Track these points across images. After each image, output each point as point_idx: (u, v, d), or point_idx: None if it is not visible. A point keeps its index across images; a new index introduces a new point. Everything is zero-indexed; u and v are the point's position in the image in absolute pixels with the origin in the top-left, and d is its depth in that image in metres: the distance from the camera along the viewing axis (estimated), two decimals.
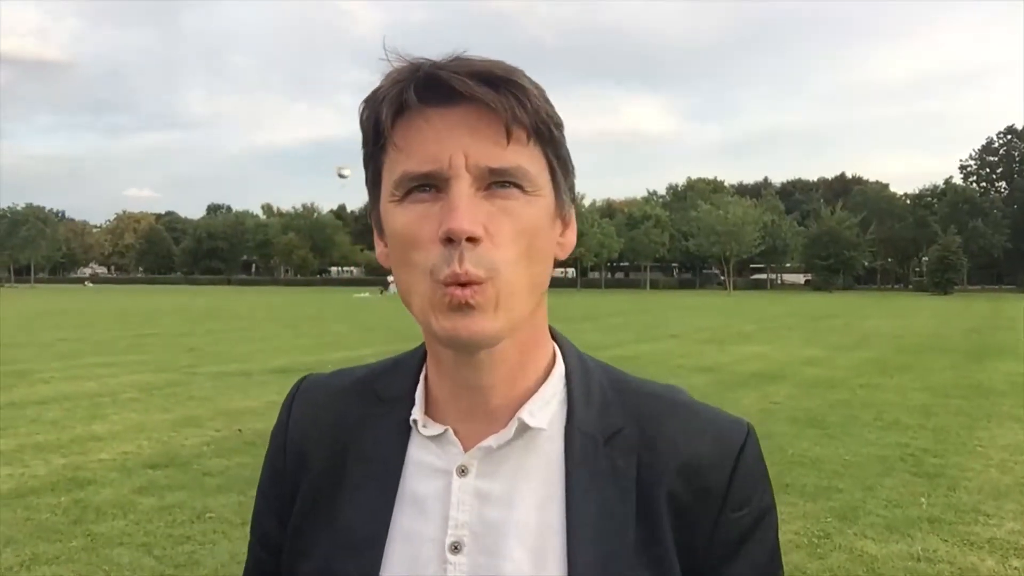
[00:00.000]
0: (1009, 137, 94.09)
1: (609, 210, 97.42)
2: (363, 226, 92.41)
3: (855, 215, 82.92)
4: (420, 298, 0.68)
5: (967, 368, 13.77)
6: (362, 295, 55.69)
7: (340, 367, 0.91)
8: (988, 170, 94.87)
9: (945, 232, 74.87)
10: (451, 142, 0.67)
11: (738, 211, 75.10)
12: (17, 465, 6.59)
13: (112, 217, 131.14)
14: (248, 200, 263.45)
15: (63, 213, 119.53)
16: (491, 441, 0.73)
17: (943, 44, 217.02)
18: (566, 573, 0.70)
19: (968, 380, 12.17)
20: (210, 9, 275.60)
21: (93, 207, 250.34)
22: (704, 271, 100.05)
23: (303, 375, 0.90)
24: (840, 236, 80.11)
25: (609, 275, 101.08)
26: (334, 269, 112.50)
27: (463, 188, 0.66)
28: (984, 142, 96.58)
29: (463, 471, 0.74)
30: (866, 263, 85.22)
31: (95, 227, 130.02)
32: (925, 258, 79.96)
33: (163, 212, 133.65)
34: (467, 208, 0.65)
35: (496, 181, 0.68)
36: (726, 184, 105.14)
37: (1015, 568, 4.58)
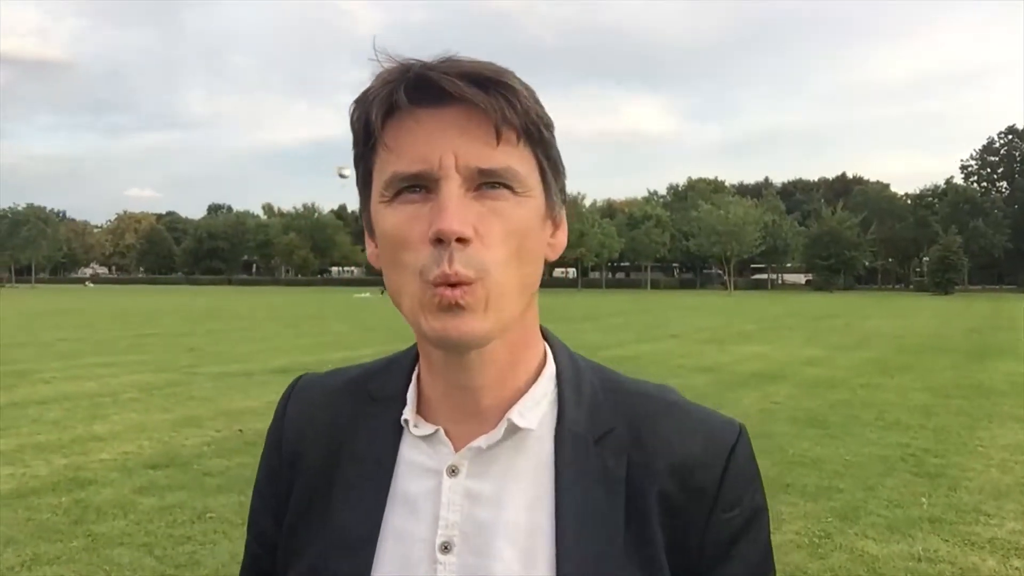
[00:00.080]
0: (1010, 137, 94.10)
1: (610, 210, 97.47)
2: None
3: (856, 215, 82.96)
4: (410, 299, 0.68)
5: (968, 368, 13.76)
6: (363, 295, 55.74)
7: (339, 367, 0.91)
8: (989, 170, 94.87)
9: (946, 232, 74.90)
10: (441, 143, 0.67)
11: (739, 211, 75.10)
12: (18, 465, 6.59)
13: (113, 217, 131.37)
14: (249, 200, 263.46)
15: (64, 213, 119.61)
16: (481, 442, 0.73)
17: (943, 44, 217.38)
18: (555, 573, 0.70)
19: (969, 380, 12.17)
20: (210, 9, 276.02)
21: (94, 207, 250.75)
22: (705, 271, 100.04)
23: (300, 374, 0.91)
24: (841, 236, 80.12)
25: (610, 275, 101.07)
26: (335, 269, 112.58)
27: (453, 189, 0.66)
28: (985, 142, 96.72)
29: (453, 471, 0.74)
30: (867, 263, 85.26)
31: (96, 227, 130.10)
32: (926, 258, 79.98)
33: (164, 212, 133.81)
34: (457, 209, 0.65)
35: (486, 182, 0.67)
36: (727, 184, 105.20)
37: (1016, 568, 4.58)
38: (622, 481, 0.73)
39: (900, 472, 6.60)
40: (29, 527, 5.09)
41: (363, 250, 0.79)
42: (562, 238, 0.77)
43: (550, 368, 0.78)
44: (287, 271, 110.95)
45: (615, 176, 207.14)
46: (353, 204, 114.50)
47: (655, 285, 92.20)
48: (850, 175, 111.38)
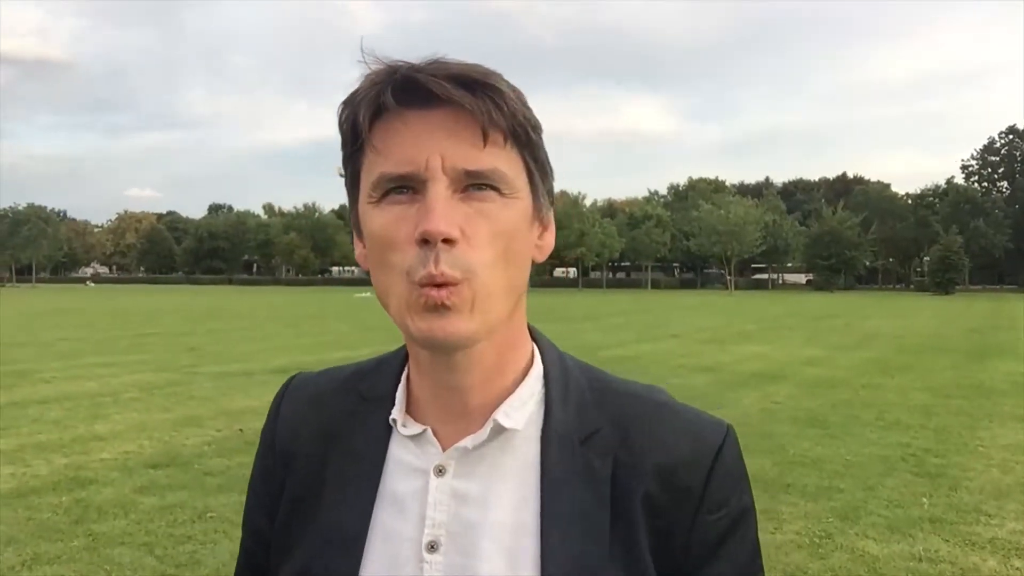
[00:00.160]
0: (1011, 137, 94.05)
1: (610, 210, 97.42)
2: None
3: (856, 215, 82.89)
4: (397, 299, 0.69)
5: (968, 368, 13.76)
6: (363, 295, 55.69)
7: (333, 366, 0.91)
8: (989, 170, 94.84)
9: (946, 232, 74.85)
10: (428, 144, 0.67)
11: (739, 211, 75.05)
12: (19, 465, 6.60)
13: (113, 217, 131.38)
14: (249, 200, 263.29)
15: (64, 213, 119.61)
16: (467, 442, 0.73)
17: (943, 44, 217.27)
18: (540, 573, 0.70)
19: (969, 380, 12.17)
20: (210, 9, 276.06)
21: (94, 207, 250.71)
22: (705, 271, 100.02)
23: (293, 374, 0.91)
24: (841, 236, 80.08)
25: (610, 275, 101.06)
26: (335, 269, 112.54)
27: (439, 190, 0.66)
28: (985, 142, 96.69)
29: (440, 471, 0.74)
30: (867, 263, 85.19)
31: (96, 227, 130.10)
32: (926, 258, 79.92)
33: (164, 212, 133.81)
34: (443, 210, 0.66)
35: (473, 183, 0.68)
36: (727, 184, 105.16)
37: (1017, 568, 4.58)
38: (608, 482, 0.73)
39: (901, 472, 6.60)
40: (30, 526, 5.10)
41: None
42: (550, 240, 0.77)
43: (537, 368, 0.78)
44: (288, 271, 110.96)
45: (615, 176, 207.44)
46: None
47: (655, 285, 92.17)
48: (851, 175, 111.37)
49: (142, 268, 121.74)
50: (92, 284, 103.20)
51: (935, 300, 54.52)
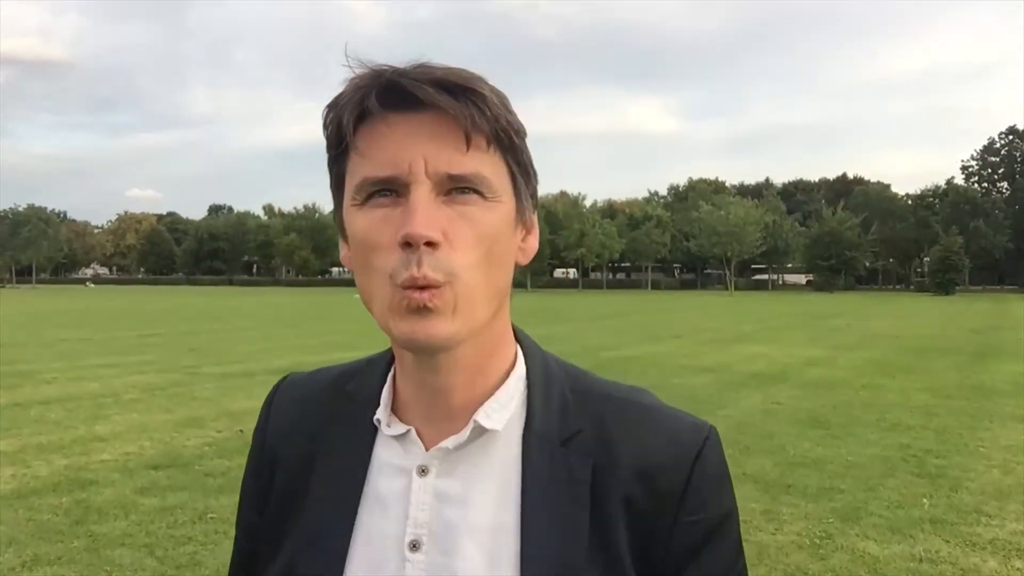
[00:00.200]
0: (1011, 137, 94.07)
1: (610, 210, 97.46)
2: None
3: (856, 215, 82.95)
4: (380, 301, 0.69)
5: (969, 369, 13.76)
6: None
7: (324, 366, 0.92)
8: (990, 170, 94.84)
9: (947, 232, 74.86)
10: (411, 148, 0.68)
11: (739, 212, 75.08)
12: (19, 465, 6.60)
13: (113, 218, 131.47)
14: (249, 201, 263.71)
15: (65, 214, 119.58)
16: (449, 442, 0.74)
17: (943, 44, 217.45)
18: (519, 574, 0.71)
19: (970, 381, 12.17)
20: (211, 9, 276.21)
21: (95, 207, 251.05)
22: (705, 272, 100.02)
23: (286, 374, 0.92)
24: (841, 236, 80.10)
25: (611, 276, 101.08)
26: (335, 270, 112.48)
27: (422, 193, 0.67)
28: (985, 142, 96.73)
29: (423, 471, 0.75)
30: (867, 263, 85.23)
31: (97, 228, 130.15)
32: (927, 259, 79.97)
33: (164, 213, 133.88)
34: (425, 213, 0.66)
35: (456, 187, 0.68)
36: (727, 185, 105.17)
37: (1017, 569, 4.58)
38: (587, 483, 0.74)
39: (901, 473, 6.60)
40: (30, 527, 5.10)
41: None
42: (533, 242, 0.78)
43: (519, 370, 0.78)
44: (288, 272, 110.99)
45: (615, 176, 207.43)
46: None
47: (656, 286, 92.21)
48: (851, 175, 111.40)
49: (142, 269, 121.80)
50: (92, 285, 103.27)
51: (935, 301, 54.52)
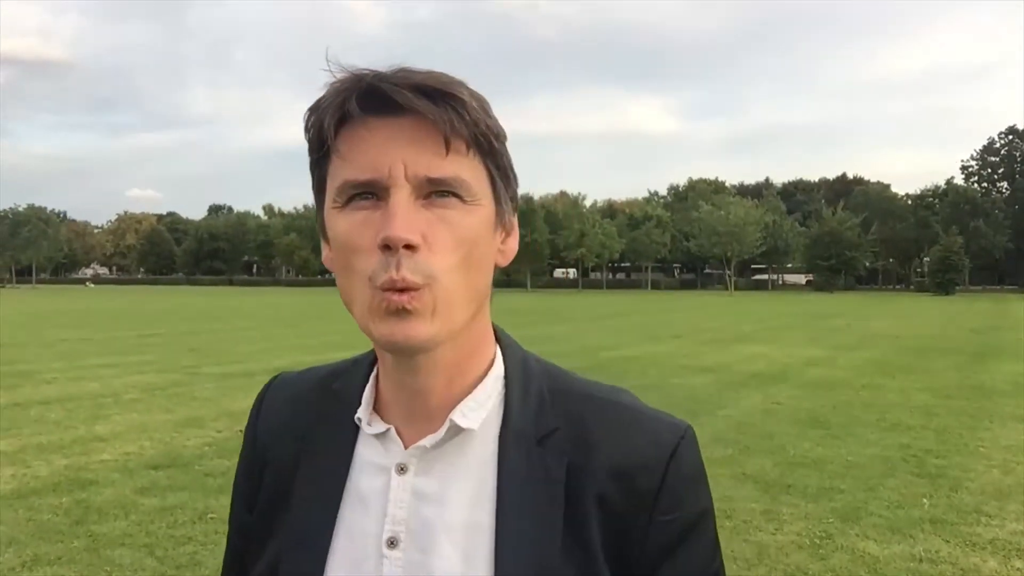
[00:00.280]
0: (1011, 137, 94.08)
1: (610, 210, 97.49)
2: None
3: (856, 215, 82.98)
4: (360, 303, 0.70)
5: (969, 369, 13.76)
6: None
7: (314, 366, 0.93)
8: (989, 170, 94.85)
9: (946, 232, 74.88)
10: (391, 152, 0.68)
11: (739, 212, 75.10)
12: (19, 465, 6.60)
13: (113, 218, 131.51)
14: (249, 201, 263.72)
15: (65, 214, 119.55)
16: (426, 441, 0.75)
17: (943, 44, 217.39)
18: (494, 572, 0.71)
19: (970, 381, 12.17)
20: (211, 8, 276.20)
21: (95, 207, 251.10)
22: (705, 272, 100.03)
23: (277, 373, 0.93)
24: (841, 236, 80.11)
25: (610, 276, 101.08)
26: None
27: (402, 197, 0.68)
28: (985, 142, 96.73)
29: (402, 469, 0.76)
30: (867, 263, 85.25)
31: (96, 228, 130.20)
32: (926, 259, 79.98)
33: (164, 213, 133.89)
34: (404, 216, 0.67)
35: (435, 191, 0.69)
36: (727, 185, 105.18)
37: (1017, 569, 4.58)
38: (562, 482, 0.74)
39: (901, 473, 6.60)
40: (30, 527, 5.10)
41: None
42: (513, 244, 0.78)
43: (497, 369, 0.79)
44: (288, 272, 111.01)
45: (615, 176, 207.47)
46: None
47: (655, 286, 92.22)
48: (850, 175, 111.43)
49: (142, 269, 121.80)
50: (92, 285, 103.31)
51: (935, 301, 54.53)
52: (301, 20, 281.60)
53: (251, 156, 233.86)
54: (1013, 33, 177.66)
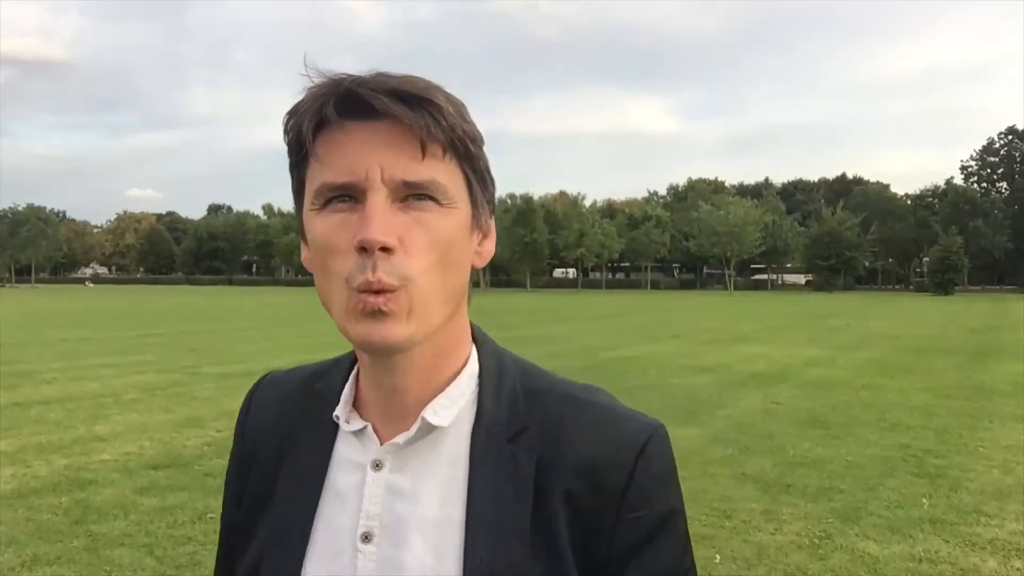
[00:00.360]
0: (1010, 138, 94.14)
1: (610, 210, 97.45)
2: None
3: (856, 215, 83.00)
4: (338, 304, 0.71)
5: (969, 369, 13.77)
6: None
7: (300, 365, 0.94)
8: (989, 170, 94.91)
9: (946, 232, 74.92)
10: (368, 156, 0.70)
11: (739, 212, 75.12)
12: (19, 465, 6.60)
13: (113, 217, 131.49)
14: (249, 200, 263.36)
15: (64, 213, 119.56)
16: (400, 438, 0.77)
17: (944, 44, 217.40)
18: (463, 567, 0.73)
19: (970, 381, 12.18)
20: (211, 8, 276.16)
21: (94, 207, 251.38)
22: (705, 272, 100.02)
23: (266, 372, 0.95)
24: (841, 236, 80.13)
25: (610, 276, 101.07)
26: None
27: (378, 200, 0.69)
28: (985, 142, 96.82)
29: (377, 465, 0.77)
30: (867, 263, 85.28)
31: (96, 227, 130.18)
32: (926, 259, 80.00)
33: (164, 212, 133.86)
34: (381, 219, 0.68)
35: (412, 194, 0.70)
36: (727, 185, 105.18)
37: (1017, 569, 4.58)
38: (531, 479, 0.75)
39: (901, 473, 6.60)
40: (30, 527, 5.10)
41: None
42: (489, 246, 0.80)
43: (471, 368, 0.80)
44: (288, 271, 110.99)
45: (615, 176, 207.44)
46: None
47: (655, 286, 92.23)
48: (850, 175, 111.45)
49: (141, 269, 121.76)
50: (91, 285, 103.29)
51: (935, 301, 54.54)
52: (301, 20, 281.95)
53: (251, 156, 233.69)
54: (1013, 33, 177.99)
